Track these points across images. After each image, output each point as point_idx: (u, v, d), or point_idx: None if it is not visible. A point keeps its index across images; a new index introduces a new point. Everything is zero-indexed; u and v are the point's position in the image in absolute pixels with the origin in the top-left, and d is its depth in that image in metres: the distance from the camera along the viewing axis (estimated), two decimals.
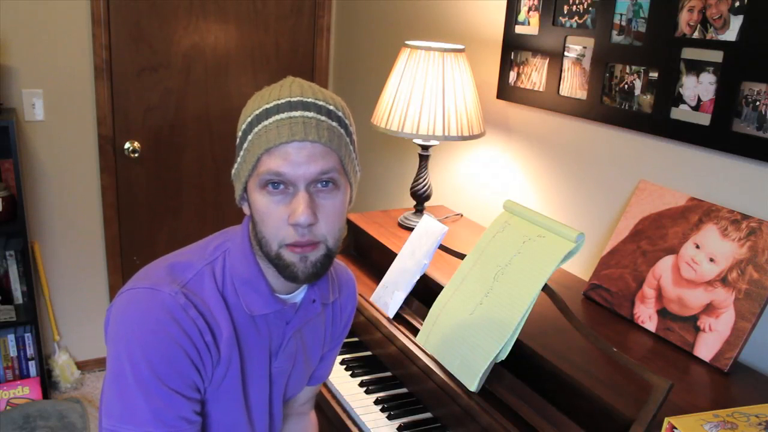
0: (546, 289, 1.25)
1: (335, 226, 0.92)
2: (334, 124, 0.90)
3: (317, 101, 0.90)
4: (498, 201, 1.99)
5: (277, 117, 0.88)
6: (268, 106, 0.89)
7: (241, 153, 0.92)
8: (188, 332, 0.90)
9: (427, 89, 1.75)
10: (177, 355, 0.89)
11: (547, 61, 1.76)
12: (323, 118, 0.89)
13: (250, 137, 0.90)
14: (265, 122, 0.88)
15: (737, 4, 1.30)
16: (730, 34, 1.32)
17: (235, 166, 0.95)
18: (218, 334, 0.94)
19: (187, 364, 0.90)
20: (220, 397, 0.98)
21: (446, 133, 1.76)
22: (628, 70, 1.54)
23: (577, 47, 1.67)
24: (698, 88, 1.39)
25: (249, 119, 0.91)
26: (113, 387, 0.89)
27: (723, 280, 1.26)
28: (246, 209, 0.97)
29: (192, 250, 1.00)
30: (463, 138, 1.79)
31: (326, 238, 0.91)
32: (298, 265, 0.90)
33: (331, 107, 0.91)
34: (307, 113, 0.88)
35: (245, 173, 0.91)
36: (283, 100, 0.89)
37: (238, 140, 0.94)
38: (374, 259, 1.87)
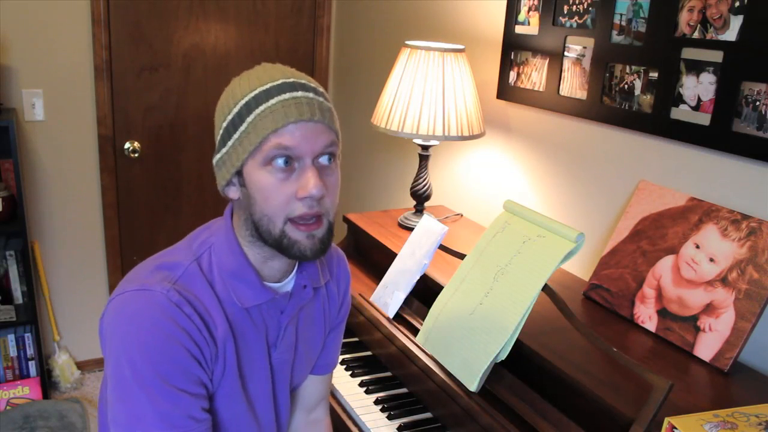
0: (546, 289, 1.25)
1: (335, 200, 0.95)
2: (329, 104, 0.94)
3: (309, 83, 0.93)
4: (498, 201, 1.99)
5: (280, 98, 0.89)
6: (264, 87, 0.90)
7: (236, 135, 0.91)
8: (185, 328, 0.89)
9: (427, 89, 1.75)
10: (176, 352, 0.87)
11: (547, 61, 1.76)
12: (321, 98, 0.92)
13: (250, 119, 0.89)
14: (268, 103, 0.89)
15: (737, 4, 1.30)
16: (730, 34, 1.32)
17: (224, 149, 0.95)
18: (214, 329, 0.93)
19: (188, 359, 0.89)
20: (220, 392, 0.97)
21: (446, 133, 1.76)
22: (628, 70, 1.54)
23: (577, 47, 1.67)
24: (698, 88, 1.39)
25: (244, 101, 0.90)
26: (116, 394, 0.88)
27: (723, 280, 1.26)
28: (233, 193, 0.97)
29: (177, 248, 1.00)
30: (463, 138, 1.79)
31: (329, 211, 0.94)
32: (305, 242, 0.92)
33: (320, 89, 0.95)
34: (307, 94, 0.91)
35: (243, 155, 0.91)
36: (278, 81, 0.90)
37: (227, 123, 0.93)
38: (374, 259, 1.87)
